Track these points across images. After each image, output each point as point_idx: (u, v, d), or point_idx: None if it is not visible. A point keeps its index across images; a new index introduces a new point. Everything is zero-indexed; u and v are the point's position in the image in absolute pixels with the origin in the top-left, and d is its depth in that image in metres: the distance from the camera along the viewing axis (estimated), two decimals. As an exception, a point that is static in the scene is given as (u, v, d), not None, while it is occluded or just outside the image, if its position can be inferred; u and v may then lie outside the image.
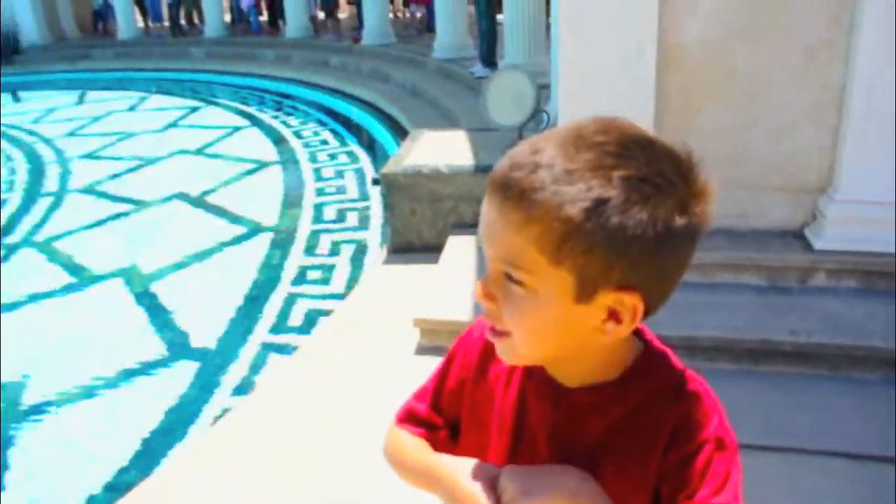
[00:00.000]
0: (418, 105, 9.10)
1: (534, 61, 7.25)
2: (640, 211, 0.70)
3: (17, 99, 13.92)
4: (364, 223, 6.22)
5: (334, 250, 5.65)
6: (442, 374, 1.01)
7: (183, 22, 19.12)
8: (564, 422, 0.86)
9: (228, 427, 3.13)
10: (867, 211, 3.18)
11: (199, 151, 9.09)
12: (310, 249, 5.69)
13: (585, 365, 0.84)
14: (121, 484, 3.08)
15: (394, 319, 3.58)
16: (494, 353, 0.86)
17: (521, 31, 7.48)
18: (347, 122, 10.02)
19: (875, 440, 2.56)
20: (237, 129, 10.21)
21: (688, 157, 0.75)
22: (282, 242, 5.86)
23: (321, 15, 18.04)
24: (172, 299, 4.94)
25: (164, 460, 3.27)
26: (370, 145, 8.87)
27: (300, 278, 5.17)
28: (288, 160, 8.39)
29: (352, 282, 4.95)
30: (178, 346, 4.32)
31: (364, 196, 6.92)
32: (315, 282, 5.11)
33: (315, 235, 5.98)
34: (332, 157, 8.43)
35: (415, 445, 0.99)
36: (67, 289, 5.25)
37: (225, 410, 3.52)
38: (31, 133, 10.65)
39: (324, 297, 4.83)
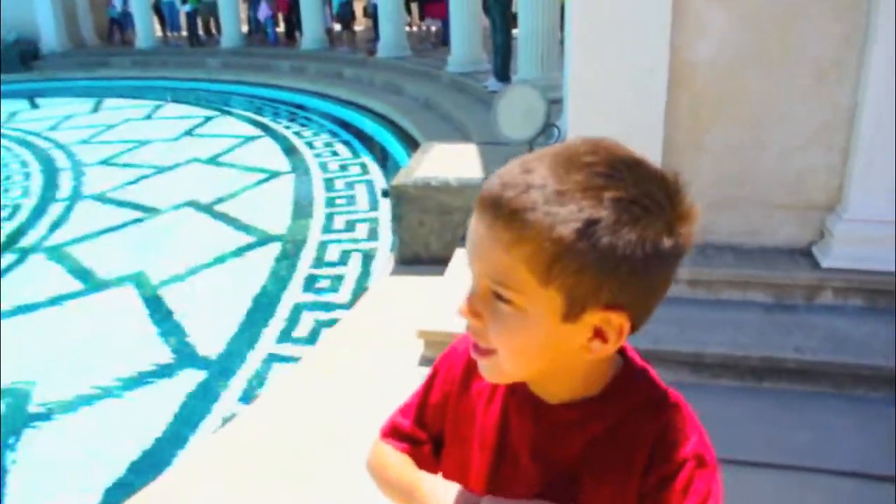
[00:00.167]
0: (431, 118, 9.12)
1: (547, 76, 7.29)
2: (630, 232, 0.71)
3: (34, 105, 14.04)
4: (373, 234, 6.25)
5: (343, 260, 5.68)
6: (426, 389, 1.01)
7: (200, 32, 19.29)
8: (545, 438, 0.86)
9: (233, 433, 3.15)
10: (875, 230, 3.17)
11: (211, 160, 9.16)
12: (318, 259, 5.72)
13: (568, 382, 0.84)
14: (126, 488, 3.08)
15: (398, 330, 3.60)
16: (477, 370, 0.85)
17: (535, 46, 7.51)
18: (360, 134, 10.06)
19: (877, 459, 2.55)
20: (250, 138, 10.28)
21: (674, 180, 0.76)
22: (291, 252, 5.89)
23: (337, 27, 18.15)
24: (181, 306, 4.97)
25: (169, 466, 3.27)
26: (382, 157, 8.90)
27: (308, 287, 5.20)
28: (300, 170, 8.44)
29: (359, 291, 4.97)
30: (186, 354, 4.34)
31: (374, 207, 6.96)
32: (323, 290, 5.14)
33: (324, 245, 6.01)
34: (344, 168, 8.48)
35: (398, 461, 0.99)
36: (77, 294, 5.29)
37: (230, 417, 3.54)
38: (47, 139, 10.76)
39: (330, 307, 4.84)
